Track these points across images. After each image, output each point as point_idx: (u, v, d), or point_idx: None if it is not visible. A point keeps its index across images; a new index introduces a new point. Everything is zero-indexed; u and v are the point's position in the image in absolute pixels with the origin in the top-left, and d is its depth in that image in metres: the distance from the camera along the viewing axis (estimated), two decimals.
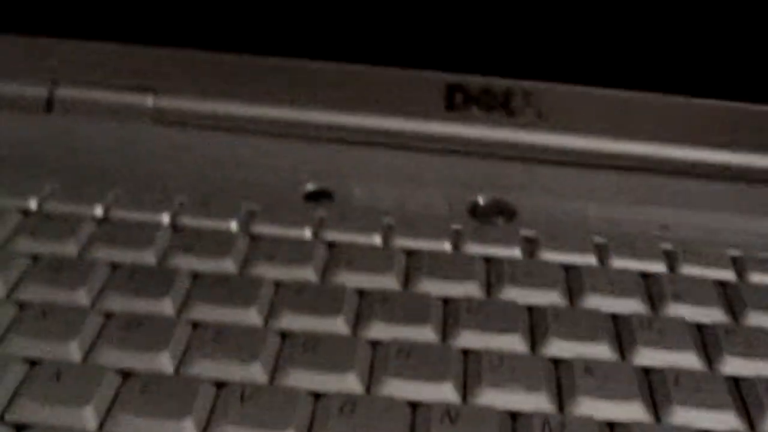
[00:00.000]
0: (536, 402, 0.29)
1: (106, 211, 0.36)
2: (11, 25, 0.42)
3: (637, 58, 0.41)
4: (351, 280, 0.34)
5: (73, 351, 0.30)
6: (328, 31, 0.41)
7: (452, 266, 0.34)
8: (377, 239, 0.36)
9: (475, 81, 0.41)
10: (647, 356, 0.31)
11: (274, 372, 0.30)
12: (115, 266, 0.34)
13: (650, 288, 0.35)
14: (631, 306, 0.33)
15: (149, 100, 0.42)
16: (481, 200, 0.39)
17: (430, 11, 0.41)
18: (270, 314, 0.32)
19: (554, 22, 0.40)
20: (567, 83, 0.41)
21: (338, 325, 0.32)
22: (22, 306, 0.31)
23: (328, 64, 0.41)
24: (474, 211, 0.38)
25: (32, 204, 0.36)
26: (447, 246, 0.36)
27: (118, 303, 0.32)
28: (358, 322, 0.32)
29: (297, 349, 0.30)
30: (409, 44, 0.41)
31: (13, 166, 0.39)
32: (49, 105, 0.42)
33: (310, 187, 0.39)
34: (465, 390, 0.30)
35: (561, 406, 0.29)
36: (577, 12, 0.40)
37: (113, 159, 0.40)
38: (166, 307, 0.32)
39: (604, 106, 0.41)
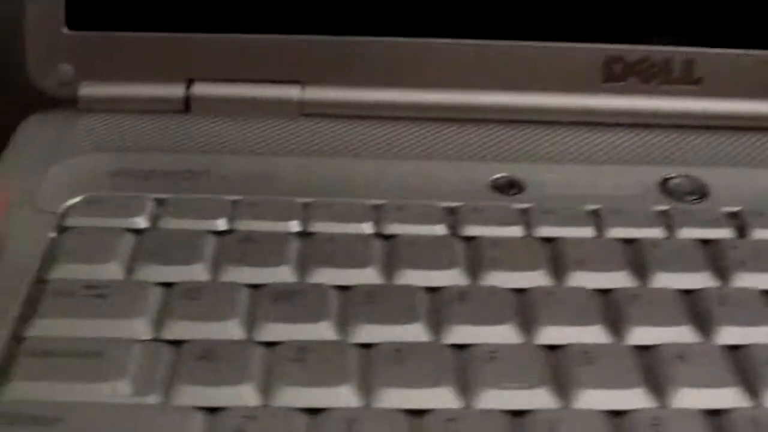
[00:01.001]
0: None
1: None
2: (144, 24, 0.38)
3: None
4: (587, 279, 0.32)
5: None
6: (484, 9, 0.39)
7: (682, 255, 0.33)
8: (589, 231, 0.34)
9: (633, 51, 0.40)
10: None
11: None
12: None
13: None
14: None
15: (295, 93, 0.39)
16: (672, 176, 0.38)
17: None
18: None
19: None
20: (727, 48, 0.40)
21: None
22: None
23: (483, 43, 0.39)
24: (665, 188, 0.37)
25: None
26: (660, 232, 0.35)
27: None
28: (618, 326, 0.30)
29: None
30: (566, 18, 0.39)
31: (147, 173, 0.36)
32: (186, 104, 0.39)
33: (496, 175, 0.37)
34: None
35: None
36: None
37: (254, 158, 0.37)
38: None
39: (766, 70, 0.40)
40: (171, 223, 0.33)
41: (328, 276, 0.31)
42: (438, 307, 0.30)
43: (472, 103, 0.39)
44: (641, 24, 0.39)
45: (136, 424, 0.26)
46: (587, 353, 0.29)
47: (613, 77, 0.40)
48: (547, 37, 0.39)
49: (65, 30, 0.38)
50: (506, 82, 0.39)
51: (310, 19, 0.38)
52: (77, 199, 0.34)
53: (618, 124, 0.40)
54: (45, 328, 0.29)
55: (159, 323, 0.29)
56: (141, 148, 0.37)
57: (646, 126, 0.40)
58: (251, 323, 0.30)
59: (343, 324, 0.30)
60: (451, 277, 0.32)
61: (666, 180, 0.37)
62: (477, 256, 0.32)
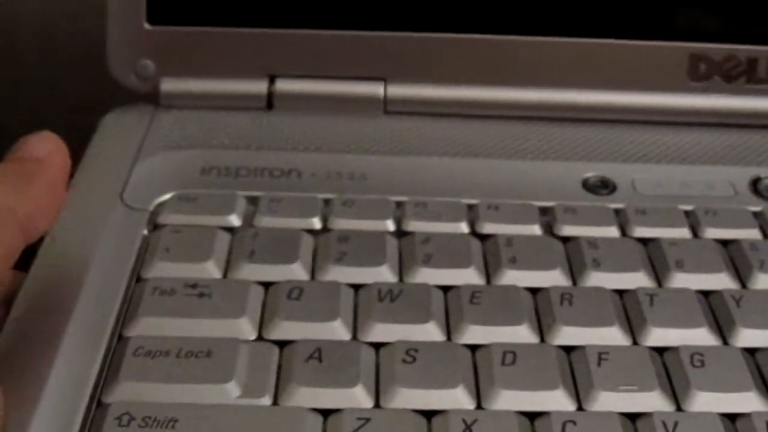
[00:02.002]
0: None
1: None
2: (225, 19, 0.38)
3: None
4: (689, 280, 0.32)
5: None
6: (572, 7, 0.38)
7: None
8: (685, 232, 0.34)
9: (718, 50, 0.39)
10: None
11: None
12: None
13: None
14: None
15: (379, 90, 0.39)
16: (762, 176, 0.37)
17: None
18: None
19: None
20: None
21: None
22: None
23: (571, 41, 0.38)
24: (756, 188, 0.37)
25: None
26: (756, 233, 0.34)
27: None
28: (725, 328, 0.30)
29: None
30: (651, 17, 0.39)
31: (236, 171, 0.36)
32: (269, 101, 0.38)
33: (587, 175, 0.36)
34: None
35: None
36: None
37: (340, 156, 0.37)
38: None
39: None
40: (265, 222, 0.33)
41: (429, 276, 0.31)
42: (543, 308, 0.30)
43: (559, 102, 0.39)
44: (727, 23, 0.39)
45: (250, 426, 0.26)
46: (698, 356, 0.29)
47: (698, 76, 0.39)
48: (633, 35, 0.38)
49: (146, 25, 0.38)
50: (592, 80, 0.39)
51: (394, 16, 0.38)
52: (167, 196, 0.34)
53: (704, 124, 0.39)
54: (148, 327, 0.29)
55: (263, 323, 0.29)
56: (225, 145, 0.37)
57: (732, 126, 0.39)
58: (357, 324, 0.29)
59: (451, 325, 0.29)
60: (552, 278, 0.31)
61: (756, 180, 0.37)
62: (577, 257, 0.32)
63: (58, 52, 0.49)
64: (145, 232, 0.32)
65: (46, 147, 0.32)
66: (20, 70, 0.50)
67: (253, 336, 0.29)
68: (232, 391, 0.27)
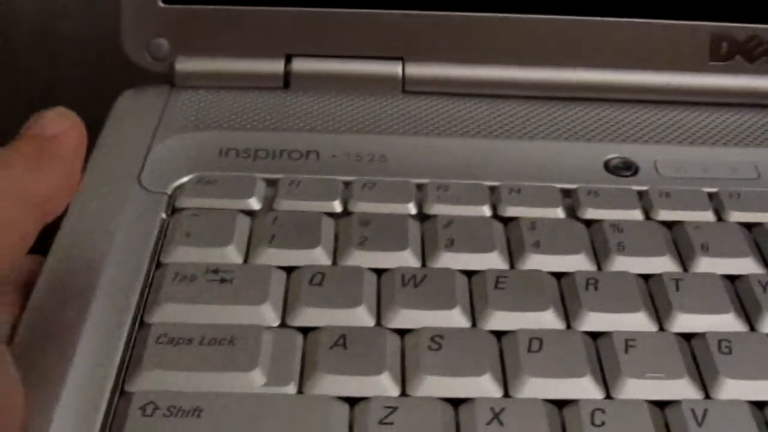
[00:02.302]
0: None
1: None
2: None
3: None
4: (715, 265, 0.31)
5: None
6: None
7: None
8: (709, 215, 0.33)
9: (740, 29, 0.39)
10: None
11: None
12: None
13: None
14: None
15: (397, 69, 0.38)
16: None
17: None
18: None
19: None
20: None
21: None
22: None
23: (591, 20, 0.38)
24: None
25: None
26: None
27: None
28: (753, 314, 0.29)
29: None
30: None
31: (254, 152, 0.35)
32: (286, 80, 0.38)
33: (609, 156, 0.36)
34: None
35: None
36: None
37: (359, 137, 0.36)
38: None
39: None
40: (285, 205, 0.32)
41: (452, 260, 0.30)
42: (569, 293, 0.30)
43: (581, 81, 0.38)
44: (747, 2, 0.38)
45: (277, 414, 0.25)
46: (725, 342, 0.28)
47: (720, 56, 0.39)
48: (655, 14, 0.38)
49: (160, 3, 0.37)
50: (613, 60, 0.38)
51: None
52: (185, 179, 0.33)
53: (726, 104, 0.39)
54: (170, 314, 0.28)
55: (286, 309, 0.29)
56: (243, 126, 0.36)
57: (755, 105, 0.39)
58: (381, 309, 0.29)
59: (476, 311, 0.29)
60: (577, 263, 0.31)
61: None
62: (601, 241, 0.32)
63: (58, 52, 0.49)
64: (164, 215, 0.32)
65: (61, 124, 0.31)
66: (20, 70, 0.49)
67: (276, 323, 0.28)
68: (256, 379, 0.26)
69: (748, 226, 0.33)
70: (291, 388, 0.26)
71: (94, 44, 0.41)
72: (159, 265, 0.30)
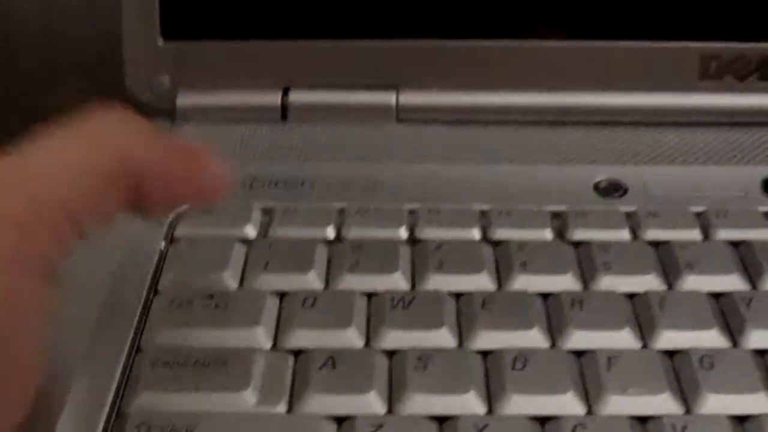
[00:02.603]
0: None
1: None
2: (238, 32, 0.38)
3: None
4: (700, 282, 0.32)
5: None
6: (579, 9, 0.38)
7: None
8: (696, 234, 0.34)
9: (729, 48, 0.39)
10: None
11: None
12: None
13: None
14: None
15: (391, 98, 0.39)
16: None
17: None
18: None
19: None
20: None
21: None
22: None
23: (580, 44, 0.39)
24: (767, 188, 0.37)
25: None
26: (767, 234, 0.34)
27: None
28: (735, 330, 0.30)
29: None
30: (660, 17, 0.39)
31: (251, 182, 0.36)
32: (284, 112, 0.39)
33: (599, 178, 0.36)
34: None
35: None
36: None
37: (354, 165, 0.37)
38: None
39: None
40: (280, 232, 0.33)
41: (441, 282, 0.31)
42: (554, 312, 0.30)
43: (569, 105, 0.39)
44: (736, 21, 0.39)
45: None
46: (707, 358, 0.29)
47: (709, 75, 0.39)
48: (643, 36, 0.39)
49: (161, 41, 0.38)
50: (603, 82, 0.39)
51: (403, 24, 0.38)
52: (183, 209, 0.34)
53: (716, 123, 0.39)
54: (166, 337, 0.29)
55: (278, 332, 0.30)
56: (242, 157, 0.37)
57: (745, 124, 0.39)
58: (370, 331, 0.30)
59: (463, 331, 0.30)
60: (564, 282, 0.32)
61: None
62: (588, 261, 0.32)
63: (59, 52, 0.49)
64: (163, 244, 0.33)
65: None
66: (20, 70, 0.50)
67: (268, 345, 0.29)
68: (248, 399, 0.27)
69: (735, 244, 0.34)
70: (282, 407, 0.27)
71: (94, 44, 0.41)
72: (156, 291, 0.31)
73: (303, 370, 0.28)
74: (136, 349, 0.29)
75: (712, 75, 0.39)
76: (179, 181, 0.27)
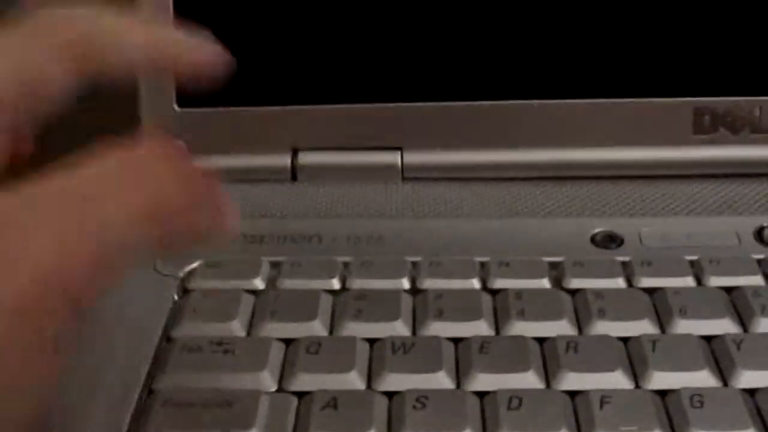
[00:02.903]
0: None
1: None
2: (248, 99, 0.40)
3: None
4: (692, 326, 0.33)
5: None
6: (574, 70, 0.40)
7: None
8: (690, 281, 0.35)
9: (721, 102, 0.41)
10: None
11: None
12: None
13: None
14: None
15: (396, 158, 0.41)
16: (766, 223, 0.38)
17: (670, 40, 0.40)
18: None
19: None
20: None
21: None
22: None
23: (576, 103, 0.40)
24: (761, 237, 0.38)
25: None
26: (759, 280, 0.35)
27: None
28: (725, 371, 0.31)
29: None
30: (652, 74, 0.41)
31: (260, 238, 0.38)
32: (293, 173, 0.41)
33: (595, 230, 0.38)
34: None
35: None
36: None
37: (360, 221, 0.39)
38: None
39: None
40: (287, 284, 0.35)
41: (441, 329, 0.33)
42: (550, 355, 0.32)
43: (567, 160, 0.41)
44: (728, 76, 0.41)
45: None
46: (697, 396, 0.30)
47: (703, 129, 0.41)
48: (637, 93, 0.40)
49: (176, 107, 0.41)
50: (600, 138, 0.41)
51: (405, 88, 0.40)
52: (196, 264, 0.36)
53: (710, 175, 0.41)
54: (176, 380, 0.31)
55: (283, 376, 0.31)
56: (252, 215, 0.39)
57: (738, 175, 0.41)
58: (372, 374, 0.31)
59: (460, 373, 0.31)
60: (559, 328, 0.33)
61: (761, 229, 0.38)
62: (584, 307, 0.34)
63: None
64: (176, 296, 0.35)
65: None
66: None
67: (273, 388, 0.31)
68: None
69: (728, 290, 0.35)
70: None
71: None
72: (169, 339, 0.33)
73: (306, 411, 0.29)
74: (148, 391, 0.31)
75: (706, 129, 0.41)
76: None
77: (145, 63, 0.29)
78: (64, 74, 0.27)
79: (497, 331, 0.33)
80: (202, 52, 0.29)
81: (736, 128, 0.41)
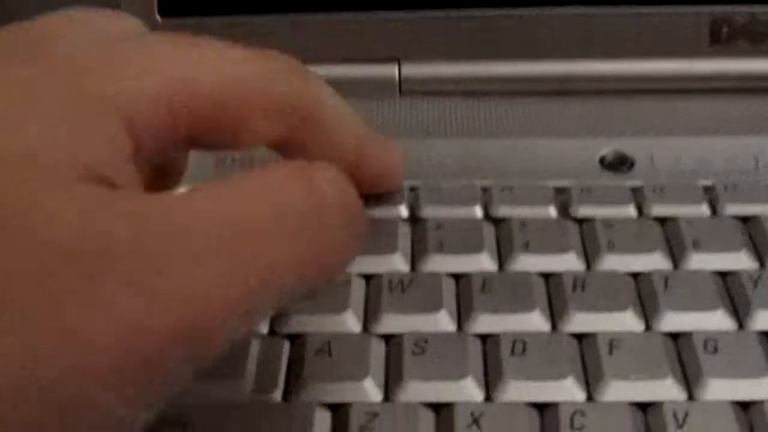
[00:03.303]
0: None
1: None
2: (231, 7, 0.38)
3: None
4: (706, 261, 0.31)
5: None
6: None
7: None
8: (704, 209, 0.33)
9: (741, 12, 0.38)
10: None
11: None
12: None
13: None
14: None
15: (393, 71, 0.38)
16: None
17: None
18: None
19: None
20: None
21: None
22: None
23: (585, 11, 0.38)
24: None
25: None
26: None
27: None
28: (742, 311, 0.29)
29: None
30: None
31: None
32: None
33: (604, 151, 0.36)
34: None
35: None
36: None
37: None
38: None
39: None
40: None
41: (441, 263, 0.31)
42: (557, 294, 0.30)
43: (575, 73, 0.38)
44: None
45: (261, 421, 0.26)
46: (711, 341, 0.28)
47: (720, 40, 0.38)
48: (649, 1, 0.38)
49: (158, 17, 0.38)
50: (610, 49, 0.38)
51: None
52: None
53: (727, 90, 0.38)
54: None
55: (274, 318, 0.29)
56: None
57: (757, 91, 0.38)
58: (367, 315, 0.29)
59: (462, 314, 0.29)
60: (566, 262, 0.31)
61: None
62: (592, 239, 0.32)
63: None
64: None
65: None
66: None
67: (264, 330, 0.29)
68: (244, 386, 0.27)
69: (744, 219, 0.33)
70: (277, 395, 0.27)
71: None
72: None
73: (298, 357, 0.28)
74: None
75: (724, 40, 0.38)
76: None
77: None
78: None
79: (500, 264, 0.31)
80: None
81: (756, 40, 0.38)
